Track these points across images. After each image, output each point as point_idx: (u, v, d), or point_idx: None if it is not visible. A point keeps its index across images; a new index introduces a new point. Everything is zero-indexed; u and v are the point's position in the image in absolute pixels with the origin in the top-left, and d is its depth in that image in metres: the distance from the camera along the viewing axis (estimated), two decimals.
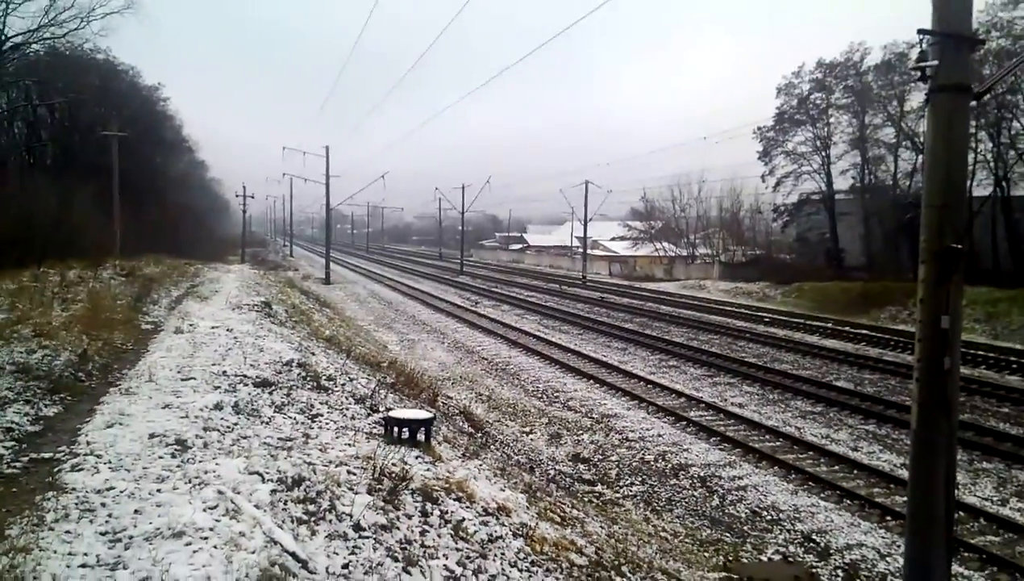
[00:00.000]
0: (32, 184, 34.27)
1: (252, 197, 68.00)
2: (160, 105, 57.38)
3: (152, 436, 7.24)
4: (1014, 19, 36.47)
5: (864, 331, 29.16)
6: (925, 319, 6.55)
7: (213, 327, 15.26)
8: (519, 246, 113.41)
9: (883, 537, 10.53)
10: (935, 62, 6.49)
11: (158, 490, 5.79)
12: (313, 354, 14.43)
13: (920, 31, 6.57)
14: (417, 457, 7.74)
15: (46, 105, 41.96)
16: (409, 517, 6.02)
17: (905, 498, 7.62)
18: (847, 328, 30.07)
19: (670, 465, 13.53)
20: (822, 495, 12.17)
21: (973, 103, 7.01)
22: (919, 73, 6.63)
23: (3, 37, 35.69)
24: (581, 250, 66.63)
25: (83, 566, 4.53)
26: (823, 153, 51.47)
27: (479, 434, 13.11)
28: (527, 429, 15.32)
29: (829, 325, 31.00)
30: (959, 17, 6.48)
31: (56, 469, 6.34)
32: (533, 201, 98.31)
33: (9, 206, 28.55)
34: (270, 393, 9.72)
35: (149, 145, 50.43)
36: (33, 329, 12.58)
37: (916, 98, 41.83)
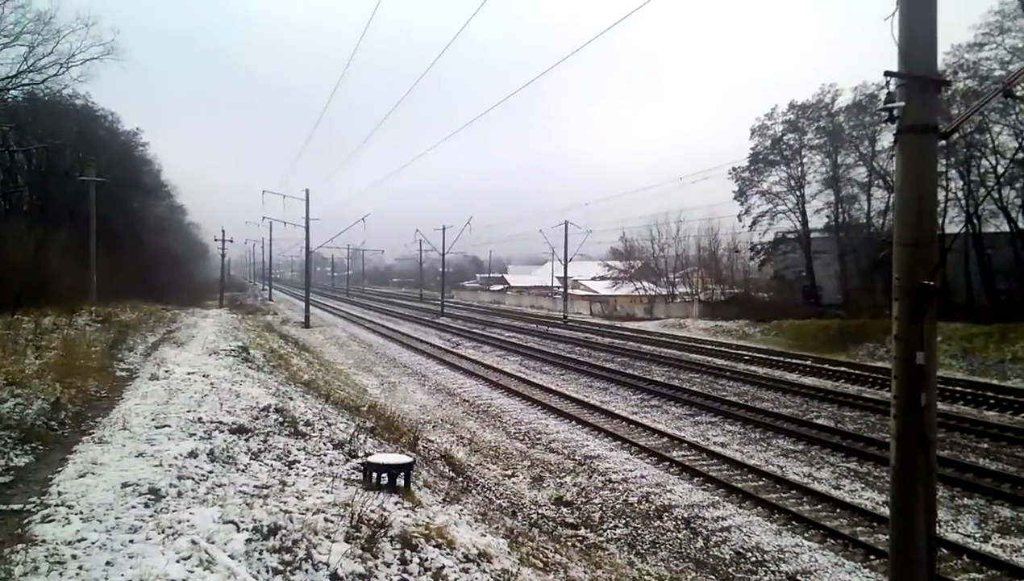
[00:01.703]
0: (8, 230, 33.98)
1: (231, 241, 67.94)
2: (139, 150, 57.53)
3: (125, 485, 7.11)
4: (980, 60, 37.50)
5: (843, 368, 29.32)
6: (900, 355, 6.60)
7: (189, 373, 15.09)
8: (500, 287, 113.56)
9: (867, 576, 10.47)
10: (902, 103, 6.64)
11: (130, 541, 5.67)
12: (291, 399, 14.26)
13: (887, 73, 6.72)
14: (396, 503, 7.63)
15: (23, 150, 41.80)
16: (388, 565, 5.92)
17: (888, 536, 7.59)
18: (826, 366, 30.24)
19: (653, 507, 13.43)
20: (806, 535, 12.11)
21: (941, 142, 7.16)
22: (887, 114, 6.77)
23: None
24: (562, 290, 66.82)
25: None
26: (797, 192, 52.24)
27: (460, 478, 12.97)
28: (509, 472, 15.18)
29: (808, 363, 31.16)
30: (925, 59, 6.64)
31: (26, 521, 6.20)
32: (514, 242, 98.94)
33: None
34: (246, 440, 9.58)
35: (127, 190, 50.28)
36: (5, 377, 12.36)
37: (887, 138, 42.67)
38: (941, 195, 39.32)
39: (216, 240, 66.80)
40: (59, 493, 6.91)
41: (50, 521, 6.10)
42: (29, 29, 35.44)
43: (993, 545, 11.69)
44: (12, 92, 38.08)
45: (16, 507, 6.64)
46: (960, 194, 40.81)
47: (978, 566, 10.86)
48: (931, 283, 6.51)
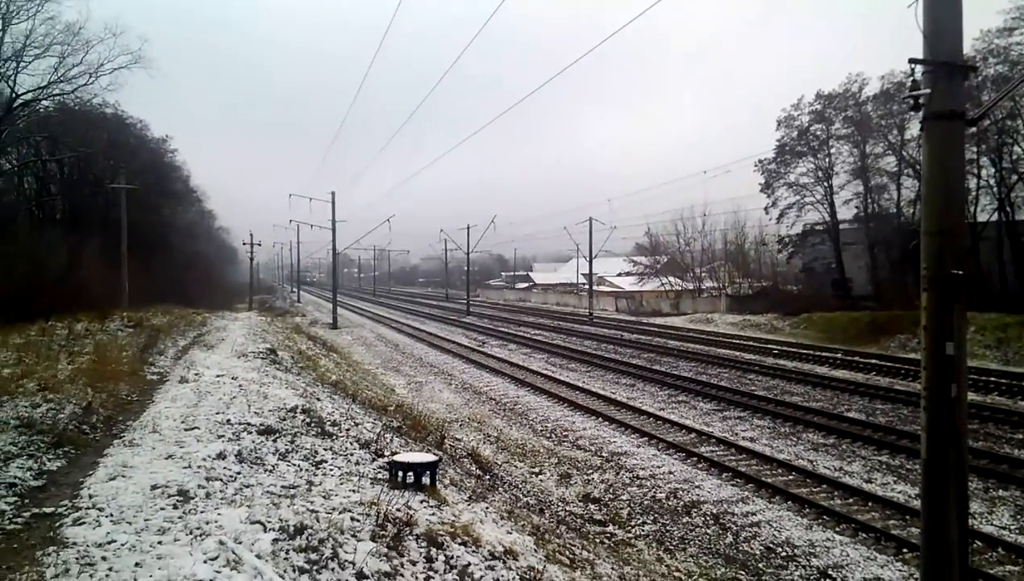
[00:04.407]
0: (41, 238, 34.64)
1: (259, 245, 68.70)
2: (168, 157, 58.26)
3: (154, 487, 7.19)
4: (1010, 45, 36.80)
5: (874, 361, 28.92)
6: (929, 347, 6.50)
7: (218, 376, 15.25)
8: (525, 285, 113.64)
9: (900, 570, 10.32)
10: (928, 90, 6.54)
11: (159, 542, 5.74)
12: (318, 400, 14.37)
13: (912, 60, 6.62)
14: (422, 501, 7.66)
15: (55, 160, 42.53)
16: (413, 563, 5.93)
17: (920, 529, 7.48)
18: (857, 358, 29.83)
19: (682, 502, 13.34)
20: (837, 529, 11.96)
21: (971, 129, 7.04)
22: (913, 101, 6.67)
23: (14, 95, 36.39)
24: (587, 287, 66.63)
25: None
26: (825, 184, 51.67)
27: (487, 476, 12.98)
28: (536, 469, 15.16)
29: (838, 356, 30.76)
30: (950, 46, 6.53)
31: (58, 524, 6.30)
32: (538, 239, 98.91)
33: (19, 261, 28.80)
34: (274, 440, 9.66)
35: (157, 196, 50.97)
36: (38, 383, 12.60)
37: (916, 127, 42.01)
38: (972, 183, 38.64)
39: (245, 244, 67.56)
40: (90, 496, 7.01)
41: (81, 524, 6.20)
42: (59, 40, 36.20)
43: None
44: (44, 102, 38.87)
45: (48, 510, 6.75)
46: (992, 181, 40.11)
47: (1014, 559, 10.66)
48: (960, 272, 6.40)
